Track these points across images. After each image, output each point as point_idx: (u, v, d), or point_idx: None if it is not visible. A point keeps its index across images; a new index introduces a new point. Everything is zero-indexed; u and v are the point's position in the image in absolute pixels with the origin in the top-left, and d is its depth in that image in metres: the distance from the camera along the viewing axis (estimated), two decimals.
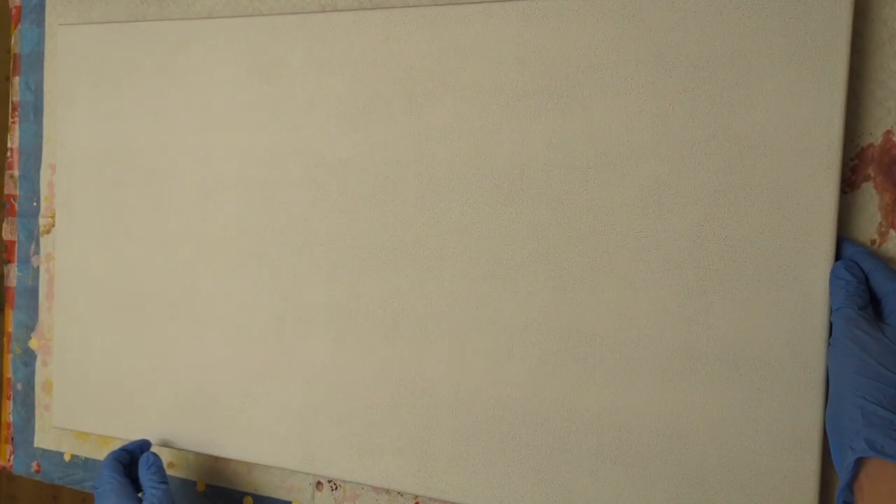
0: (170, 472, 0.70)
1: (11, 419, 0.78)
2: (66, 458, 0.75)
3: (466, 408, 0.56)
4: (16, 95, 0.77)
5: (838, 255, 0.48)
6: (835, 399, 0.43)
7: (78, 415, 0.70)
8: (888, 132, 0.48)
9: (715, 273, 0.50)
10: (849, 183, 0.49)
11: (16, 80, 0.77)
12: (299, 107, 0.61)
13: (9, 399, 0.78)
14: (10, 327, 0.78)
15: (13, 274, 0.77)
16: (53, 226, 0.75)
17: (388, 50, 0.58)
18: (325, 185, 0.60)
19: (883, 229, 0.49)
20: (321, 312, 0.61)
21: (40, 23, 0.75)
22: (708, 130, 0.49)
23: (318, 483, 0.64)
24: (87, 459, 0.74)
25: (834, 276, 0.46)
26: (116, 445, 0.71)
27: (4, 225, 0.78)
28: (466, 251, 0.56)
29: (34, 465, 0.77)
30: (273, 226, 0.62)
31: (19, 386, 0.77)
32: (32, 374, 0.76)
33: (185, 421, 0.66)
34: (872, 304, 0.46)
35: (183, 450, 0.67)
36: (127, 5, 0.70)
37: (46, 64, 0.75)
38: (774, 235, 0.48)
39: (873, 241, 0.48)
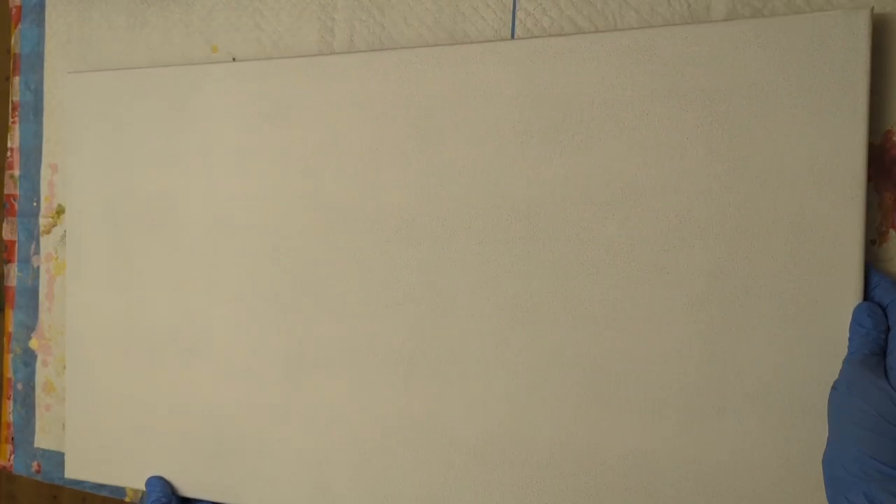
0: None
1: (11, 419, 0.78)
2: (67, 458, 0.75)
3: (487, 452, 0.55)
4: (16, 95, 0.77)
5: (867, 285, 0.47)
6: (834, 444, 0.43)
7: (91, 465, 0.69)
8: (888, 132, 0.48)
9: (739, 309, 0.49)
10: None
11: (16, 79, 0.77)
12: (311, 149, 0.60)
13: (9, 399, 0.78)
14: (10, 327, 0.78)
15: (13, 274, 0.77)
16: (54, 226, 0.75)
17: (401, 90, 0.57)
18: (339, 226, 0.59)
19: (883, 229, 0.49)
20: (336, 355, 0.60)
21: (40, 23, 0.75)
22: (727, 164, 0.49)
23: None
24: None
25: (854, 322, 0.45)
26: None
27: (4, 225, 0.78)
28: (483, 290, 0.55)
29: (34, 465, 0.77)
30: (286, 269, 0.61)
31: (19, 386, 0.77)
32: (32, 374, 0.76)
33: (199, 468, 0.65)
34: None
35: (197, 500, 0.66)
36: (127, 4, 0.70)
37: (46, 64, 0.75)
38: (799, 270, 0.47)
39: (873, 241, 0.48)
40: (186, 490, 0.66)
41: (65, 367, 0.73)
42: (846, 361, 0.45)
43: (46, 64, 0.75)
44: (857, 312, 0.46)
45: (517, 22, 0.57)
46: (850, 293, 0.46)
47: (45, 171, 0.75)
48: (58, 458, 0.76)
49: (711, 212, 0.49)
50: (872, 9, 0.46)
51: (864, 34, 0.46)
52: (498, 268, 0.55)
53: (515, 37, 0.57)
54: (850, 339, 0.46)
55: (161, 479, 0.66)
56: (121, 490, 0.73)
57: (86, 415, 0.70)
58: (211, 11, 0.67)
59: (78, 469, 0.71)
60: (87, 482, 0.74)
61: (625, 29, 0.52)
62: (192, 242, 0.65)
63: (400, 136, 0.57)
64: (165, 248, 0.66)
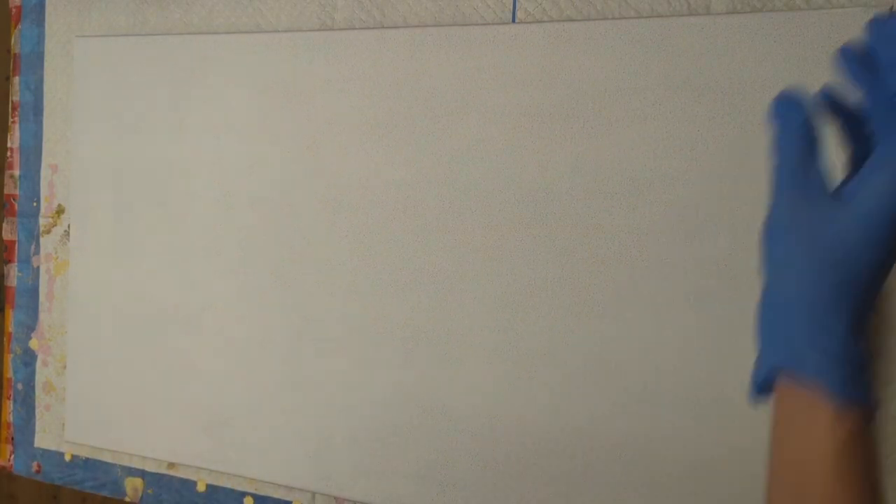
0: (170, 472, 0.70)
1: (11, 419, 0.78)
2: (67, 458, 0.75)
3: (486, 433, 0.55)
4: (16, 95, 0.77)
5: None
6: (767, 292, 0.33)
7: (91, 430, 0.69)
8: None
9: (744, 304, 0.48)
10: None
11: (16, 79, 0.77)
12: (319, 124, 0.60)
13: (9, 399, 0.78)
14: (10, 327, 0.78)
15: (13, 274, 0.77)
16: (54, 226, 0.75)
17: (412, 69, 0.57)
18: (345, 203, 0.59)
19: None
20: (339, 332, 0.60)
21: (40, 23, 0.75)
22: (737, 159, 0.49)
23: None
24: (87, 459, 0.74)
25: (782, 109, 0.34)
26: (127, 460, 0.71)
27: (4, 225, 0.78)
28: (488, 273, 0.55)
29: (34, 465, 0.77)
30: (291, 244, 0.61)
31: (19, 386, 0.77)
32: (32, 374, 0.76)
33: (199, 437, 0.65)
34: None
35: (195, 467, 0.66)
36: (127, 4, 0.70)
37: (46, 64, 0.75)
38: None
39: None
40: (185, 458, 0.66)
41: (65, 368, 0.73)
42: (784, 177, 0.34)
43: (46, 64, 0.75)
44: (785, 100, 0.34)
45: (517, 22, 0.57)
46: None
47: (45, 171, 0.75)
48: (58, 458, 0.76)
49: (719, 206, 0.49)
50: (892, 7, 0.46)
51: None
52: (503, 251, 0.55)
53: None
54: (779, 138, 0.34)
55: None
56: (121, 490, 0.73)
57: (87, 381, 0.70)
58: (211, 11, 0.67)
59: (78, 434, 0.71)
60: (88, 482, 0.74)
61: (642, 17, 0.52)
62: (196, 214, 0.65)
63: (409, 115, 0.57)
64: (170, 219, 0.66)
